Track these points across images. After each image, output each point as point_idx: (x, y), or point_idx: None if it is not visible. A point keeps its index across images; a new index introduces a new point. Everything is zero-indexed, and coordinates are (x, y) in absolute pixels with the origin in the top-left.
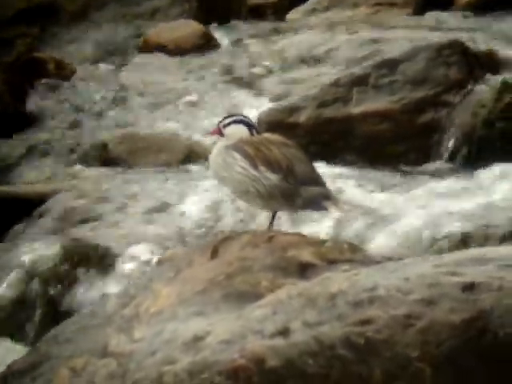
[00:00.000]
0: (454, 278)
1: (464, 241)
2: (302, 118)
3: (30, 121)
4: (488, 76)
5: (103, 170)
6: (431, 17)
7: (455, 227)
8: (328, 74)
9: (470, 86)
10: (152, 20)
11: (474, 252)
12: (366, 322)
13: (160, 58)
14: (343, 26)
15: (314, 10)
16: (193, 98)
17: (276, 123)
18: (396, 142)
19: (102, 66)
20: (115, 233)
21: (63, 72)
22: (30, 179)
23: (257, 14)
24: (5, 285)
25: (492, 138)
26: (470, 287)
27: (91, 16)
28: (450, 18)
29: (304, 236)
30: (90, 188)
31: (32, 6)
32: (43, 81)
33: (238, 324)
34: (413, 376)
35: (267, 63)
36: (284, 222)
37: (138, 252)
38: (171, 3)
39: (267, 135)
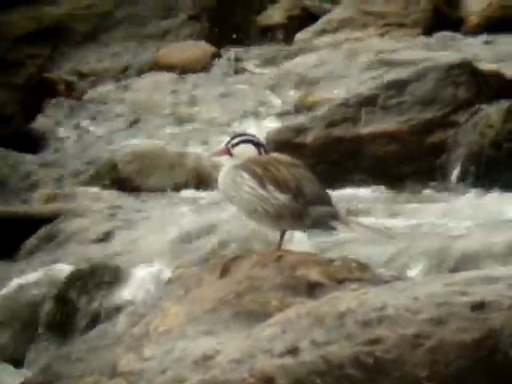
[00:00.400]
0: (464, 297)
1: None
2: (310, 137)
3: (41, 140)
4: (496, 97)
5: (113, 190)
6: (440, 37)
7: (460, 249)
8: (337, 94)
9: (477, 106)
10: (162, 40)
11: (483, 271)
12: (374, 341)
13: (170, 78)
14: (352, 46)
15: (323, 31)
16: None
17: (284, 143)
18: (404, 162)
19: (113, 86)
20: (124, 252)
21: (73, 92)
22: (40, 198)
23: (267, 34)
24: (13, 304)
25: (500, 158)
26: (479, 306)
27: (102, 37)
28: (458, 38)
29: (313, 255)
30: (99, 208)
31: (42, 28)
32: (53, 101)
33: (247, 343)
34: None
35: (274, 83)
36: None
37: (147, 271)
38: (182, 24)
39: (275, 155)
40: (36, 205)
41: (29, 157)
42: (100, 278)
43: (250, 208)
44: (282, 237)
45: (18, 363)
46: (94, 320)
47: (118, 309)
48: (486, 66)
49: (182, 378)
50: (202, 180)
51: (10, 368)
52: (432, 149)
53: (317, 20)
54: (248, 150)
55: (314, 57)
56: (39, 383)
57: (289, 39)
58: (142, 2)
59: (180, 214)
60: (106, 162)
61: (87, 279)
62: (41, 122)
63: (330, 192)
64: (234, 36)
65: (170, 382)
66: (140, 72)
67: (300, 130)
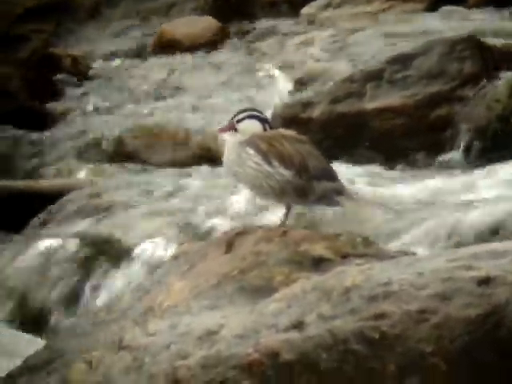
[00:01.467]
0: (469, 272)
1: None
2: (316, 113)
3: (47, 116)
4: (503, 71)
5: (119, 165)
6: (445, 12)
7: (467, 223)
8: (342, 69)
9: (484, 81)
10: (166, 16)
11: (488, 246)
12: (379, 316)
13: (174, 53)
14: (357, 21)
15: (328, 5)
16: (208, 93)
17: (290, 118)
18: (410, 136)
19: (117, 62)
20: (130, 227)
21: (79, 68)
22: (47, 174)
23: (271, 8)
24: (22, 277)
25: (507, 132)
26: (485, 281)
27: (106, 12)
28: (463, 12)
29: (318, 231)
30: (106, 183)
31: (45, 3)
32: (59, 76)
33: (252, 318)
34: (427, 371)
35: (280, 60)
36: None
37: (153, 245)
38: None
39: (281, 130)
40: (42, 180)
41: (34, 133)
42: (105, 252)
43: (254, 183)
44: (287, 212)
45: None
46: (99, 294)
47: (123, 283)
48: (491, 40)
49: (187, 353)
50: (208, 155)
51: (22, 334)
52: (438, 123)
53: None
54: (253, 126)
55: (319, 33)
56: (44, 358)
57: (294, 13)
58: None
59: (186, 189)
60: (112, 137)
61: (92, 254)
62: (45, 97)
63: (335, 167)
64: (239, 10)
65: (175, 356)
66: (145, 47)
67: (306, 105)
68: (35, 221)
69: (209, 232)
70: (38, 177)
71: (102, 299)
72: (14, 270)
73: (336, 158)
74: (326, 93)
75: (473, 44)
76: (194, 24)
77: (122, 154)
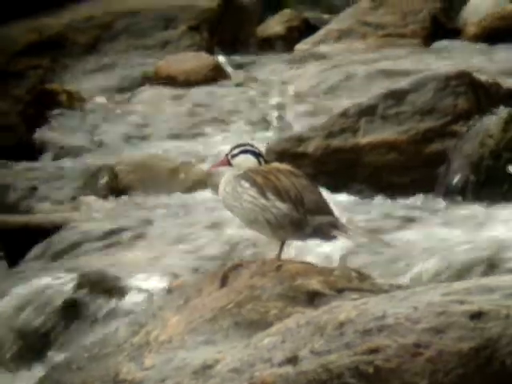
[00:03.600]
0: (463, 306)
1: (468, 272)
2: (310, 148)
3: (43, 151)
4: (495, 107)
5: (114, 200)
6: (439, 47)
7: (461, 258)
8: (335, 104)
9: (477, 116)
10: (163, 51)
11: (481, 281)
12: (374, 350)
13: (170, 90)
14: (351, 57)
15: (322, 42)
16: (205, 126)
17: (284, 153)
18: (403, 172)
19: (113, 97)
20: (126, 261)
21: (75, 103)
22: (42, 208)
23: (267, 45)
24: (16, 312)
25: (499, 168)
26: (478, 315)
27: (102, 48)
28: (457, 48)
29: (312, 264)
30: (100, 217)
31: (43, 39)
32: (55, 112)
33: (247, 352)
34: None
35: (276, 95)
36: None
37: (149, 280)
38: (182, 35)
39: (276, 164)
40: (38, 215)
41: (31, 166)
42: (100, 287)
43: (250, 217)
44: (281, 246)
45: (22, 369)
46: (95, 329)
47: (118, 318)
48: (484, 76)
49: None
50: (202, 188)
51: (17, 370)
52: (431, 159)
53: (316, 31)
54: (248, 160)
55: (314, 68)
56: None
57: (288, 50)
58: (142, 13)
59: (180, 222)
60: (106, 172)
61: (88, 289)
62: (43, 133)
63: (329, 201)
64: (235, 47)
65: None
66: (141, 83)
67: (300, 140)
68: (30, 255)
69: (202, 266)
70: (31, 211)
71: (97, 333)
72: (8, 304)
73: (331, 192)
74: (321, 128)
75: (466, 80)
76: (190, 60)
77: (116, 187)
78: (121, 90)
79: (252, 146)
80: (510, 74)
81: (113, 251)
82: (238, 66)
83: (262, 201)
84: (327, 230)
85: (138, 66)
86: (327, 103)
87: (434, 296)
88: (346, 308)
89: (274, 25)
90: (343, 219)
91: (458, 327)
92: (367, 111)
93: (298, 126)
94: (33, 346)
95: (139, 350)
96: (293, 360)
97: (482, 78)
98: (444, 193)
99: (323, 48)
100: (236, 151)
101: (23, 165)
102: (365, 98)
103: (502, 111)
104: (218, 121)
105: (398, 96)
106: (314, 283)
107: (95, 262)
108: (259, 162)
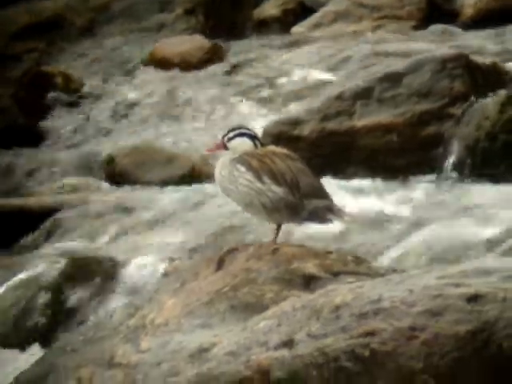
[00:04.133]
0: (459, 289)
1: (464, 252)
2: (306, 130)
3: (39, 134)
4: (492, 89)
5: (110, 184)
6: (435, 30)
7: (454, 239)
8: (331, 87)
9: (473, 98)
10: (158, 34)
11: (477, 263)
12: (370, 333)
13: (165, 72)
14: (347, 39)
15: (318, 24)
16: (198, 111)
17: (280, 136)
18: (399, 154)
19: (109, 80)
20: (121, 244)
21: (71, 86)
22: (37, 192)
23: (263, 27)
24: (12, 296)
25: (495, 150)
26: (474, 298)
27: (98, 30)
28: (454, 30)
29: (308, 248)
30: (96, 201)
31: (38, 21)
32: (51, 94)
33: (243, 335)
34: None
35: (272, 77)
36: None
37: (143, 263)
38: (178, 18)
39: (271, 148)
40: (34, 198)
41: (26, 151)
42: (97, 269)
43: (246, 201)
44: (277, 229)
45: (17, 352)
46: (91, 311)
47: (114, 301)
48: (481, 58)
49: (178, 371)
50: (198, 174)
51: (13, 353)
52: (427, 141)
53: (312, 13)
54: (244, 144)
55: (310, 50)
56: (36, 375)
57: (284, 32)
58: None
59: (176, 207)
60: (103, 156)
61: (84, 271)
62: (37, 115)
63: (325, 184)
64: (230, 29)
65: (166, 374)
66: (137, 66)
67: (296, 123)
68: (27, 238)
69: (197, 249)
70: (29, 194)
71: (92, 316)
72: (4, 288)
73: (326, 175)
74: (316, 111)
75: (462, 62)
76: (185, 43)
77: (113, 172)
78: (117, 72)
79: (248, 128)
80: (506, 56)
81: (110, 234)
82: (234, 49)
83: (258, 184)
84: (323, 213)
85: (133, 48)
86: (322, 85)
87: (430, 279)
88: (341, 291)
89: (270, 7)
90: (338, 202)
91: (455, 310)
92: (363, 94)
93: (293, 109)
94: (28, 328)
95: (135, 332)
96: (289, 343)
97: (479, 60)
98: (440, 175)
99: (319, 31)
100: (232, 134)
101: (18, 149)
102: (360, 80)
103: (500, 93)
104: (215, 102)
105: (394, 78)
106: (310, 266)
107: (91, 244)
108: (255, 145)
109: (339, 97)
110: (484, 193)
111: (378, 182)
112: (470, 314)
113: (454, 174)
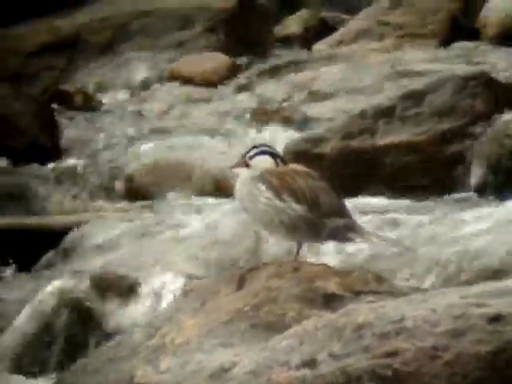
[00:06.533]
0: (481, 309)
1: (492, 272)
2: (328, 148)
3: (59, 152)
4: None
5: (129, 201)
6: (458, 48)
7: (484, 260)
8: (354, 106)
9: (495, 117)
10: (179, 51)
11: (499, 283)
12: (392, 353)
13: (186, 90)
14: (369, 57)
15: (340, 42)
16: (218, 126)
17: (302, 154)
18: (422, 173)
19: (129, 98)
20: (141, 263)
21: (90, 103)
22: (57, 210)
23: (284, 44)
24: (34, 315)
25: None
26: (496, 319)
27: (117, 48)
28: (476, 49)
29: (330, 266)
30: (115, 219)
31: (56, 40)
32: (70, 113)
33: (264, 355)
34: None
35: (293, 96)
36: None
37: (164, 282)
38: (198, 35)
39: (292, 166)
40: (52, 217)
41: (44, 169)
42: (116, 289)
43: (265, 219)
44: (298, 248)
45: (34, 375)
46: (110, 332)
47: (134, 320)
48: (503, 76)
49: None
50: (219, 191)
51: (25, 380)
52: (450, 160)
53: (334, 31)
54: (265, 161)
55: (331, 69)
56: None
57: (306, 50)
58: (157, 13)
59: (196, 224)
60: (122, 173)
61: (104, 291)
62: (58, 134)
63: (346, 203)
64: (251, 47)
65: None
66: (157, 83)
67: (317, 141)
68: (45, 258)
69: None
70: (49, 213)
71: (112, 336)
72: (23, 308)
73: (348, 193)
74: (338, 129)
75: (484, 81)
76: (205, 60)
77: (131, 189)
78: (137, 90)
79: (269, 146)
80: None
81: (128, 253)
82: (255, 67)
83: (277, 202)
84: (344, 232)
85: (153, 66)
86: (345, 104)
87: (453, 299)
88: (363, 311)
89: (291, 25)
90: (360, 222)
91: (477, 330)
92: (385, 112)
93: (316, 127)
94: (48, 350)
95: (155, 352)
96: (310, 363)
97: (501, 78)
98: (463, 194)
99: (341, 48)
100: (253, 152)
101: (37, 167)
102: (383, 99)
103: None
104: (238, 118)
105: (416, 97)
106: (332, 285)
107: (110, 264)
108: (276, 163)
109: (361, 115)
110: (507, 212)
111: (400, 201)
112: (491, 335)
113: (477, 193)
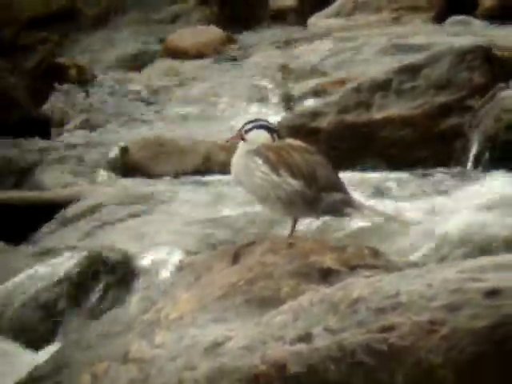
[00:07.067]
0: (478, 283)
1: (489, 246)
2: (324, 123)
3: (52, 126)
4: (511, 81)
5: (124, 176)
6: (454, 21)
7: (480, 233)
8: (349, 79)
9: (493, 91)
10: (173, 25)
11: (497, 258)
12: (388, 328)
13: (180, 63)
14: (365, 30)
15: (336, 15)
16: (214, 97)
17: (298, 128)
18: (418, 147)
19: (123, 71)
20: (136, 237)
21: (85, 77)
22: (51, 184)
23: (278, 18)
24: (31, 289)
25: None
26: (493, 293)
27: (112, 21)
28: (473, 22)
29: (325, 242)
30: (110, 193)
31: (51, 12)
32: (64, 86)
33: (258, 330)
34: (436, 382)
35: (287, 69)
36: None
37: (159, 256)
38: (192, 9)
39: (289, 141)
40: (48, 190)
41: (39, 142)
42: (111, 263)
43: (262, 194)
44: (294, 224)
45: (34, 346)
46: (105, 306)
47: (129, 294)
48: (500, 49)
49: (193, 366)
50: (213, 166)
51: (25, 351)
52: (446, 133)
53: (329, 3)
54: (261, 136)
55: (327, 42)
56: (50, 370)
57: (301, 23)
58: None
59: (191, 199)
60: (117, 148)
61: (98, 264)
62: (52, 107)
63: (343, 177)
64: (245, 20)
65: (181, 369)
66: (151, 57)
67: (313, 116)
68: (41, 230)
69: (211, 242)
70: (42, 186)
71: (106, 310)
72: (19, 282)
73: (344, 168)
74: (334, 103)
75: (482, 54)
76: (199, 34)
77: (126, 164)
78: (131, 63)
79: (266, 121)
80: None
81: (124, 227)
82: (250, 40)
83: (274, 177)
84: (340, 207)
85: (147, 39)
86: (340, 77)
87: (449, 273)
88: (359, 285)
89: None
90: (356, 196)
91: (473, 305)
92: (381, 86)
93: (309, 101)
94: (43, 324)
95: (150, 327)
96: (306, 338)
97: (499, 51)
98: (460, 167)
99: (337, 21)
100: (249, 126)
101: (31, 141)
102: (379, 72)
103: None
104: (227, 95)
105: (412, 70)
106: (327, 260)
107: (106, 237)
108: (273, 138)
109: (357, 89)
110: (503, 185)
111: (397, 174)
112: (488, 309)
113: (473, 166)
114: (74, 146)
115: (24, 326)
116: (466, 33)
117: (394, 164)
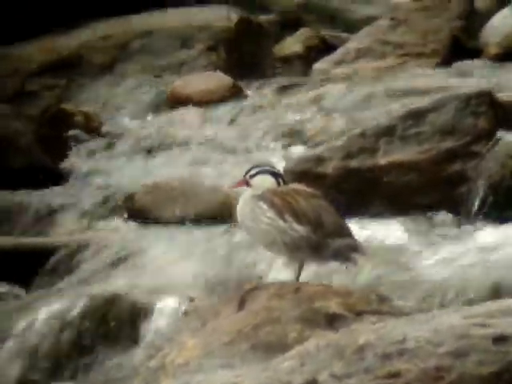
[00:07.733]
0: (484, 329)
1: (495, 292)
2: (329, 168)
3: (59, 173)
4: None
5: (130, 222)
6: (459, 67)
7: (484, 279)
8: (355, 125)
9: (497, 137)
10: (180, 72)
11: (504, 303)
12: (394, 375)
13: (187, 110)
14: (370, 76)
15: (341, 61)
16: (222, 146)
17: (303, 173)
18: (424, 192)
19: (129, 118)
20: (140, 284)
21: (91, 124)
22: (57, 232)
23: (284, 64)
24: (34, 337)
25: None
26: (500, 339)
27: (118, 68)
28: (477, 68)
29: (331, 287)
30: (115, 239)
31: (57, 59)
32: (71, 133)
33: (265, 375)
34: None
35: (295, 116)
36: None
37: (164, 303)
38: (198, 55)
39: (294, 186)
40: (51, 236)
41: (45, 190)
42: (116, 310)
43: (268, 239)
44: (299, 268)
45: None
46: (111, 352)
47: (134, 341)
48: (505, 95)
49: None
50: (220, 211)
51: None
52: (452, 179)
53: (335, 50)
54: (266, 181)
55: (332, 88)
56: None
57: (306, 70)
58: (158, 33)
59: (197, 245)
60: (123, 194)
61: (103, 312)
62: (58, 154)
63: (348, 223)
64: (252, 67)
65: None
66: (158, 103)
67: (318, 161)
68: (45, 277)
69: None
70: (49, 234)
71: (112, 357)
72: (25, 331)
73: (350, 213)
74: (339, 148)
75: (487, 99)
76: (206, 80)
77: (132, 210)
78: (137, 110)
79: (271, 166)
80: None
81: (127, 273)
82: (256, 86)
83: (280, 222)
84: (347, 252)
85: (154, 86)
86: (344, 123)
87: (455, 319)
88: (365, 331)
89: (292, 44)
90: (363, 242)
91: (480, 351)
92: (386, 131)
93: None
94: (47, 372)
95: (155, 373)
96: (312, 383)
97: (503, 98)
98: (465, 214)
99: (342, 67)
100: (254, 171)
101: (37, 188)
102: (384, 118)
103: None
104: (243, 140)
105: (417, 116)
106: (333, 305)
107: (109, 285)
108: (278, 183)
109: (362, 134)
110: (507, 233)
111: (402, 220)
112: (495, 355)
113: (478, 213)
114: (80, 195)
115: (25, 374)
116: (472, 78)
117: (400, 209)
